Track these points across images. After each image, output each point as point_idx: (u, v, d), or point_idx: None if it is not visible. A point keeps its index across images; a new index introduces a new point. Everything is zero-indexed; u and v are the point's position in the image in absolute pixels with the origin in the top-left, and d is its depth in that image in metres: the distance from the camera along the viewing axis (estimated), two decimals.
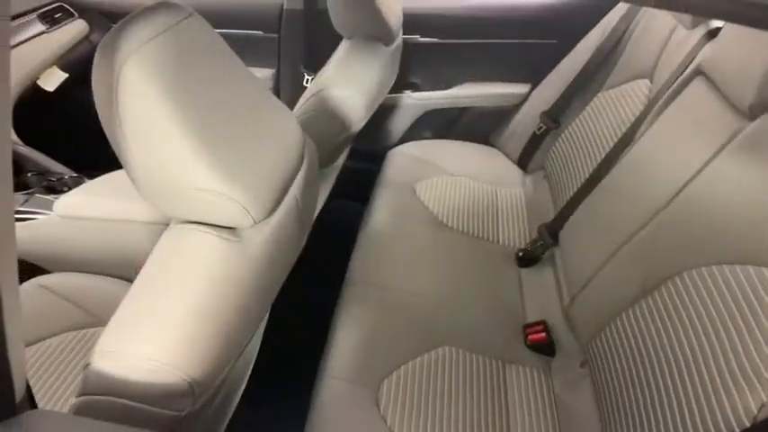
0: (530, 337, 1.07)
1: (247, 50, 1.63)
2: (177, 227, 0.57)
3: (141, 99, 0.50)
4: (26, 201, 1.18)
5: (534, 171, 1.58)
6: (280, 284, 0.66)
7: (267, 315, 1.09)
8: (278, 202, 0.62)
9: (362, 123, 1.15)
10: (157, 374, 0.52)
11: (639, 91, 1.20)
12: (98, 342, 0.54)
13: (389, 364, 0.97)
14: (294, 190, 0.66)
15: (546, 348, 1.06)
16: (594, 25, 1.42)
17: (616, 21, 1.34)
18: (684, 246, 0.82)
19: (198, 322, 0.53)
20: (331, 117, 1.10)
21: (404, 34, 1.54)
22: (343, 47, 1.21)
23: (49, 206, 1.15)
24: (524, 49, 1.55)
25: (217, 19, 1.60)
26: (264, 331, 1.08)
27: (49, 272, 1.20)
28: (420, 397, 0.93)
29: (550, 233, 1.21)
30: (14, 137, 1.29)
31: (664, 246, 0.85)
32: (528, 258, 1.25)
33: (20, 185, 1.23)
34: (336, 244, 1.29)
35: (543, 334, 1.07)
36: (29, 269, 1.19)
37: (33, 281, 1.08)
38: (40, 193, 1.21)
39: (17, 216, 1.16)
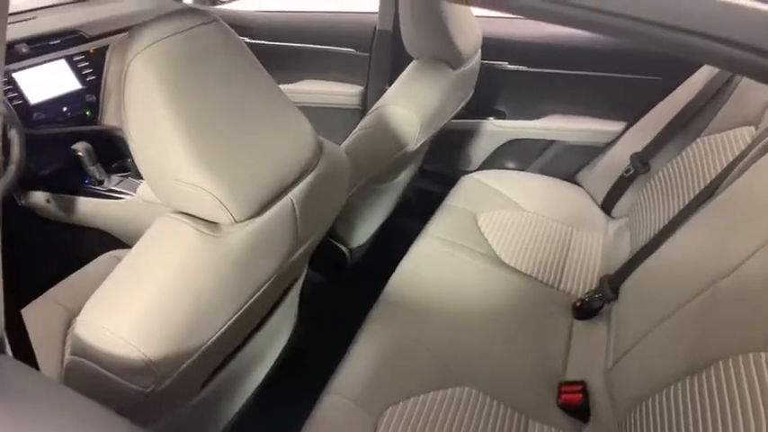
0: (563, 396, 0.96)
1: (341, 67, 1.71)
2: (166, 215, 0.61)
3: (143, 91, 0.55)
4: (120, 182, 1.34)
5: (620, 217, 1.44)
6: (259, 287, 0.66)
7: (295, 320, 1.11)
8: (267, 204, 0.63)
9: (418, 143, 1.13)
10: (119, 348, 0.55)
11: (742, 140, 1.03)
12: (82, 309, 0.59)
13: (398, 392, 0.93)
14: (293, 195, 0.67)
15: (579, 412, 0.94)
16: (702, 64, 1.26)
17: None
18: (745, 323, 0.68)
19: (159, 306, 0.56)
20: (386, 133, 1.10)
21: (491, 60, 1.50)
22: (409, 66, 1.22)
23: (135, 189, 1.30)
24: (623, 84, 1.43)
25: (315, 35, 1.71)
26: (290, 336, 1.10)
27: (127, 246, 1.34)
28: None
29: (612, 286, 1.09)
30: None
31: (721, 319, 0.72)
32: (584, 310, 1.13)
33: (120, 168, 1.39)
34: (385, 261, 1.28)
35: (579, 395, 0.96)
36: (111, 241, 1.35)
37: (111, 252, 1.22)
38: (134, 176, 1.37)
39: (110, 194, 1.32)
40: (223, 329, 0.63)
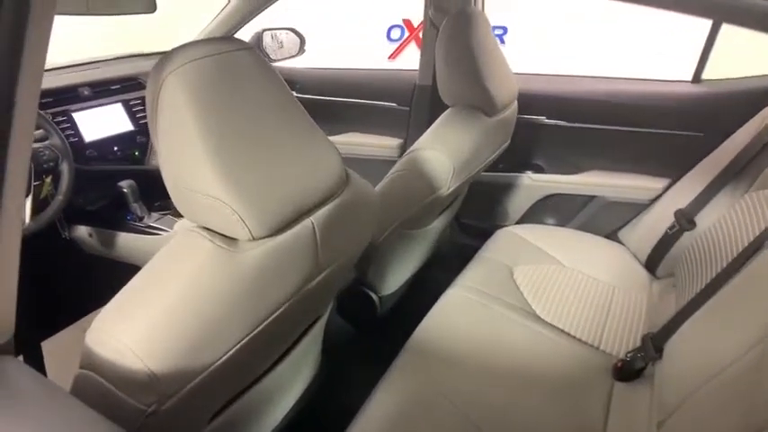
0: None
1: (382, 120, 1.76)
2: (186, 228, 0.61)
3: (174, 106, 0.57)
4: (158, 219, 1.38)
5: (664, 276, 1.36)
6: (273, 310, 0.64)
7: (318, 366, 1.08)
8: (287, 223, 0.63)
9: (451, 188, 1.12)
10: (121, 357, 0.54)
11: None
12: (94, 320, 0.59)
13: None
14: (314, 219, 0.66)
15: None
16: (748, 119, 1.22)
17: None
18: None
19: (169, 318, 0.55)
20: (418, 177, 1.10)
21: (529, 114, 1.51)
22: (444, 113, 1.23)
23: (172, 225, 1.34)
24: (664, 139, 1.40)
25: (359, 90, 1.78)
26: (311, 381, 1.07)
27: None
28: None
29: (655, 344, 1.01)
30: None
31: None
32: (626, 371, 1.04)
33: (162, 207, 1.44)
34: (414, 311, 1.24)
35: None
36: None
37: None
38: (173, 215, 1.41)
39: (148, 230, 1.36)
40: (232, 351, 0.61)
